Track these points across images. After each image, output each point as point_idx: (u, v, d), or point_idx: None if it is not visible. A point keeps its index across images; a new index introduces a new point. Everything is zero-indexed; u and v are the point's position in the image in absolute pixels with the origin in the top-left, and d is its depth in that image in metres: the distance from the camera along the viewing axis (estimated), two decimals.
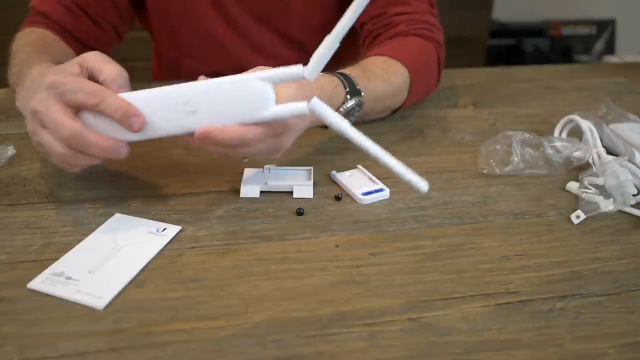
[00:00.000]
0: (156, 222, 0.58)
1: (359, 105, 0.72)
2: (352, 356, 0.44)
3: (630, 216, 0.62)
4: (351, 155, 0.70)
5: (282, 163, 0.68)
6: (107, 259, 0.53)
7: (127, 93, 0.54)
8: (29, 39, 0.79)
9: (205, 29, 0.94)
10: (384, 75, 0.76)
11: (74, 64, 0.55)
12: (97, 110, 0.52)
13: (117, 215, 0.59)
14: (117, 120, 0.52)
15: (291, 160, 0.69)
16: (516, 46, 2.42)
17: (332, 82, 0.69)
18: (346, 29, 0.53)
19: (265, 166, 0.66)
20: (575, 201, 0.64)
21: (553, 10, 2.43)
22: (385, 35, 0.86)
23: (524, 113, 0.86)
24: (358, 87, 0.71)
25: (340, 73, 0.72)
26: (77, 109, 0.53)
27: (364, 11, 0.86)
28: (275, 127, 0.55)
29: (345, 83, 0.70)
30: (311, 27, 0.96)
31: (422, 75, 0.83)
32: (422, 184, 0.53)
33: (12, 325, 0.45)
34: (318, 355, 0.44)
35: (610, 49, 2.42)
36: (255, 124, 0.53)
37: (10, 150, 0.69)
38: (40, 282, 0.50)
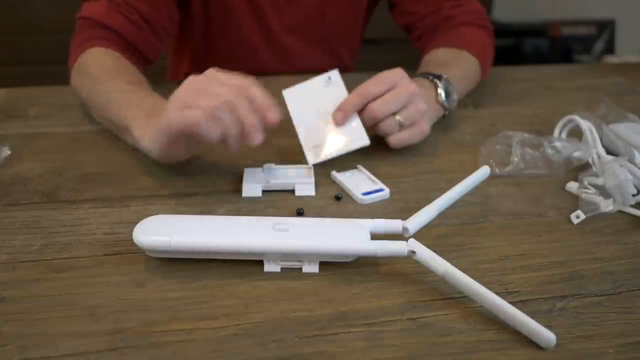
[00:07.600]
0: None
1: (448, 82, 0.77)
2: (352, 356, 0.44)
3: (630, 216, 0.62)
4: (351, 156, 0.70)
5: (281, 162, 0.68)
6: (326, 124, 0.69)
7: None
8: (111, 65, 0.76)
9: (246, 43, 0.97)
10: (457, 62, 0.84)
11: None
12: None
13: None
14: (259, 107, 0.57)
15: (290, 160, 0.69)
16: (516, 46, 2.41)
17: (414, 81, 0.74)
18: (448, 204, 0.57)
19: (265, 165, 0.66)
20: (575, 201, 0.64)
21: (553, 10, 2.42)
22: (446, 26, 0.93)
23: (524, 113, 0.86)
24: (437, 73, 0.77)
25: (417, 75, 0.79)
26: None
27: (419, 8, 0.95)
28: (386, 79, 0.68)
29: (425, 74, 0.77)
30: (345, 31, 1.02)
31: (487, 63, 0.92)
32: (550, 337, 0.45)
33: (12, 325, 0.45)
34: (318, 355, 0.44)
35: (610, 49, 2.41)
36: (347, 255, 0.53)
37: (5, 151, 0.69)
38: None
